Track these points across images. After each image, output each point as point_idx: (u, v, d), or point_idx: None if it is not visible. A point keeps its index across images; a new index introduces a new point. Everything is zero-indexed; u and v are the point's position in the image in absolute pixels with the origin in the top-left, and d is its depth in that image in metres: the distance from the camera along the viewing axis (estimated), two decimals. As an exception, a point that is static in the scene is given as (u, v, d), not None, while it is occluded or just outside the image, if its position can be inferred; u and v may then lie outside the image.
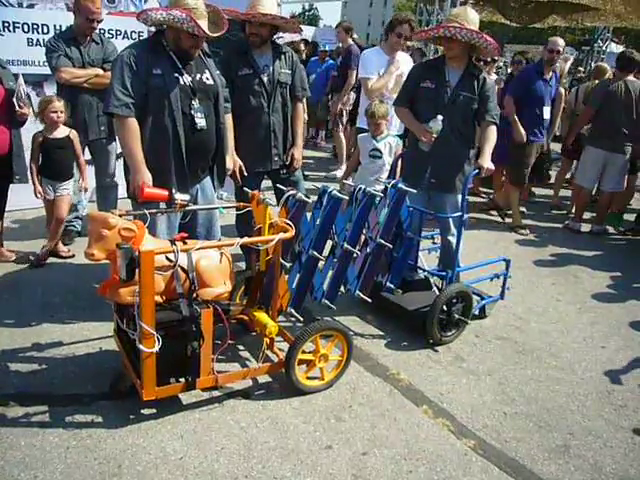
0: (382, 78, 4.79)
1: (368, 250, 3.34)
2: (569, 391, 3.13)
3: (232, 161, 3.50)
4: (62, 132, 4.04)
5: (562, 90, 6.38)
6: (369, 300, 3.34)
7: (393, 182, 3.37)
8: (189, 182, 3.17)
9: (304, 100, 4.04)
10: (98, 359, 3.04)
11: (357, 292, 3.29)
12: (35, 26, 4.86)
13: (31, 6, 5.02)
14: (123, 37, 5.35)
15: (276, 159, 3.84)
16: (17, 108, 3.80)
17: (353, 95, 7.72)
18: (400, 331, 3.61)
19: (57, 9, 5.20)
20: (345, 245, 3.11)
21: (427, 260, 4.05)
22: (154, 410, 2.66)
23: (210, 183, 3.36)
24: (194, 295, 2.55)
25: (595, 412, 2.96)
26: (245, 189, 3.20)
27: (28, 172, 4.06)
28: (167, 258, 2.48)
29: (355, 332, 3.57)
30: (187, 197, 2.89)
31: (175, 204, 2.83)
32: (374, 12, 67.93)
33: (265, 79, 3.68)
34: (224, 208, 3.22)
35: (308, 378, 2.91)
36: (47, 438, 2.46)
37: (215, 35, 3.00)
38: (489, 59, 5.74)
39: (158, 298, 2.50)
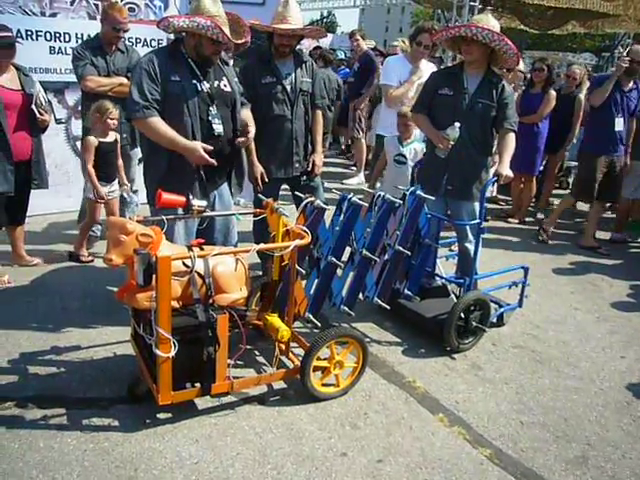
0: (402, 86, 4.79)
1: (387, 257, 3.34)
2: (587, 401, 3.09)
3: (252, 169, 3.52)
4: (111, 136, 4.21)
5: (582, 97, 6.32)
6: (387, 307, 3.34)
7: (411, 189, 3.38)
8: (207, 188, 3.20)
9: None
10: (116, 363, 3.07)
11: (375, 299, 3.29)
12: (57, 34, 4.95)
13: (53, 15, 5.10)
14: (143, 45, 5.42)
15: (297, 166, 3.90)
16: (37, 115, 3.88)
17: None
18: (416, 339, 3.60)
19: (79, 17, 5.28)
20: (364, 252, 3.12)
21: (444, 267, 4.03)
22: (170, 415, 2.68)
23: (227, 189, 3.39)
24: (210, 301, 2.58)
25: (614, 423, 2.92)
26: (260, 196, 3.21)
27: (85, 176, 4.24)
28: (184, 264, 2.50)
29: (371, 339, 3.56)
30: (204, 203, 2.91)
31: (192, 210, 2.85)
32: (391, 19, 67.99)
33: (288, 87, 3.74)
34: (240, 214, 3.24)
35: (323, 385, 2.90)
36: (65, 440, 2.49)
37: (239, 42, 3.03)
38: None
39: (175, 303, 2.51)
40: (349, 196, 3.03)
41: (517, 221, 6.30)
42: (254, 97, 3.61)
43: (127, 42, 4.67)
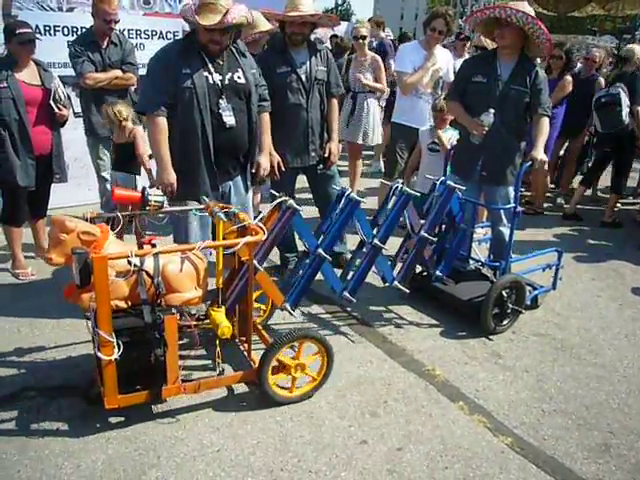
0: (417, 73, 4.74)
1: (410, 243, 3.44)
2: (610, 389, 3.05)
3: (268, 160, 3.52)
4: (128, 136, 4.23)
5: (602, 80, 6.20)
6: (407, 291, 3.40)
7: (441, 179, 3.42)
8: (219, 180, 3.20)
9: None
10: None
11: (395, 283, 3.31)
12: (75, 29, 5.00)
13: (70, 10, 5.14)
14: (159, 37, 5.45)
15: (313, 154, 3.92)
16: (56, 110, 3.92)
17: (388, 90, 7.67)
18: (436, 327, 3.59)
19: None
20: (375, 241, 3.12)
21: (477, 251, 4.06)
22: (191, 403, 2.71)
23: (243, 181, 3.38)
24: (160, 301, 2.47)
25: (637, 410, 2.88)
26: (272, 191, 3.17)
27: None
28: (129, 262, 2.36)
29: (390, 328, 3.56)
30: (161, 199, 2.77)
31: (149, 206, 2.72)
32: (407, 6, 67.20)
33: (303, 76, 3.75)
34: (197, 210, 3.01)
35: (280, 387, 2.77)
36: (88, 429, 2.54)
37: (208, 24, 2.86)
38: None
39: (122, 304, 2.44)
40: (347, 191, 2.99)
41: (533, 212, 6.17)
42: (269, 87, 3.59)
43: (120, 33, 4.75)
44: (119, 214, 2.69)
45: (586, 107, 6.08)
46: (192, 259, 2.58)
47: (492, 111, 3.49)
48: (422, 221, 3.44)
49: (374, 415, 2.75)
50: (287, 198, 2.81)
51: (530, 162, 3.48)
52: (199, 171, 3.12)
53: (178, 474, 2.33)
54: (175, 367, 2.48)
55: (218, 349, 2.65)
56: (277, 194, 2.99)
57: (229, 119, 3.09)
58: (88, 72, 4.37)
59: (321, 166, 3.98)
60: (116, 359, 2.31)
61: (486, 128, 3.52)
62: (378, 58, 5.74)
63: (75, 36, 4.96)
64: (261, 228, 2.62)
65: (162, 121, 3.00)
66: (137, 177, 4.30)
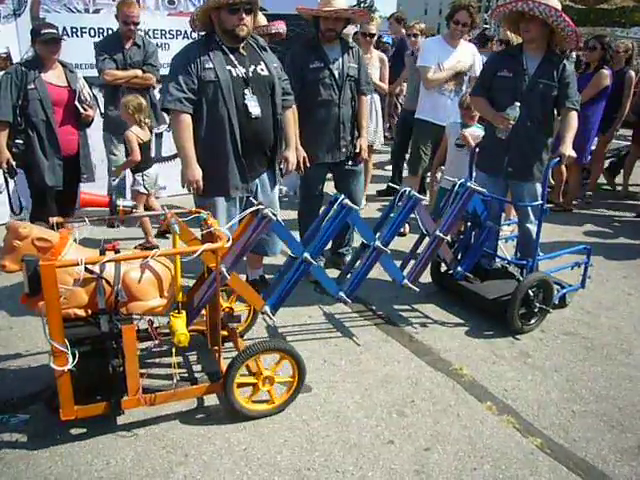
0: (444, 72, 4.68)
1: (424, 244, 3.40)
2: (643, 390, 2.98)
3: (294, 154, 3.51)
4: (147, 134, 4.40)
5: (632, 73, 6.04)
6: (417, 289, 3.33)
7: (461, 181, 3.38)
8: (248, 176, 3.21)
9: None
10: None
11: (405, 281, 3.27)
12: (101, 30, 5.07)
13: (97, 11, 5.20)
14: (183, 37, 5.48)
15: (344, 150, 3.94)
16: (81, 111, 3.98)
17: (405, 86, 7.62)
18: (463, 326, 3.55)
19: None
20: (377, 244, 3.06)
21: (504, 249, 4.01)
22: (217, 402, 2.72)
23: (270, 178, 3.38)
24: (123, 309, 2.40)
25: (672, 412, 2.81)
26: (251, 201, 2.95)
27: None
28: (87, 270, 2.27)
29: (416, 326, 3.54)
30: (130, 204, 2.70)
31: (118, 211, 2.67)
32: (431, 1, 66.67)
33: (335, 72, 3.78)
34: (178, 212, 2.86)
35: (254, 402, 2.66)
36: (117, 426, 2.56)
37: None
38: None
39: (81, 312, 2.37)
40: (340, 197, 2.91)
41: (562, 209, 6.05)
42: (302, 82, 3.69)
43: (145, 37, 5.00)
44: (86, 219, 2.64)
45: (616, 102, 5.93)
46: (156, 266, 2.48)
47: (518, 104, 3.42)
48: (433, 222, 3.39)
49: (401, 415, 2.72)
50: (263, 207, 2.66)
51: (558, 158, 3.41)
52: (228, 165, 3.13)
53: (205, 472, 2.34)
54: (135, 377, 2.39)
55: (173, 359, 2.55)
56: (259, 205, 2.75)
57: (255, 109, 3.10)
58: (108, 68, 4.60)
59: (350, 162, 4.00)
60: (72, 369, 2.23)
61: (512, 122, 3.46)
62: (383, 57, 5.73)
63: (101, 37, 5.06)
64: (226, 235, 2.46)
65: (186, 117, 3.01)
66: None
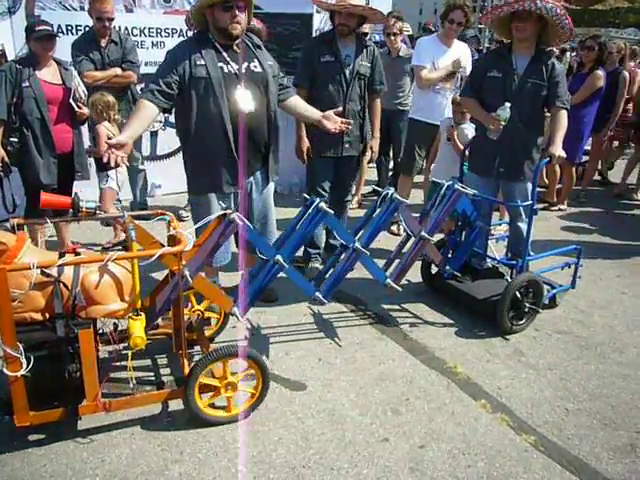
0: (438, 71, 4.69)
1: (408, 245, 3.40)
2: (636, 388, 3.00)
3: (300, 142, 3.57)
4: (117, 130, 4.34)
5: (626, 74, 6.07)
6: (399, 289, 3.23)
7: (449, 183, 3.38)
8: (240, 172, 3.19)
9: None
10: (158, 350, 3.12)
11: (388, 281, 3.23)
12: (95, 28, 5.04)
13: (91, 8, 5.18)
14: (179, 35, 5.47)
15: (347, 146, 3.95)
16: (76, 108, 3.98)
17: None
18: (457, 325, 3.57)
19: (117, 11, 5.33)
20: (356, 245, 3.01)
21: (494, 249, 4.01)
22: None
23: (263, 177, 3.37)
24: (82, 313, 2.34)
25: (665, 410, 2.84)
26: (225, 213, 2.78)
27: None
28: (43, 273, 2.23)
29: (411, 325, 3.55)
30: (93, 205, 2.58)
31: (80, 212, 2.55)
32: (426, 0, 66.72)
33: (346, 68, 3.82)
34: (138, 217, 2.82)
35: (213, 407, 2.62)
36: (113, 424, 2.56)
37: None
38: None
39: (38, 316, 2.31)
40: (316, 201, 2.87)
41: (556, 208, 6.10)
42: (312, 74, 3.75)
43: (122, 32, 4.88)
44: (48, 220, 2.59)
45: (610, 102, 5.96)
46: (116, 270, 2.41)
47: (508, 105, 3.43)
48: (418, 224, 3.36)
49: (396, 413, 2.73)
50: (231, 211, 2.61)
51: (548, 158, 3.42)
52: (220, 161, 3.12)
53: (201, 470, 2.34)
54: (94, 383, 2.34)
55: (129, 362, 2.44)
56: (227, 210, 2.69)
57: (247, 105, 3.09)
58: (86, 70, 4.50)
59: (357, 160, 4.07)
60: (27, 375, 2.19)
61: (503, 123, 3.46)
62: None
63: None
64: (187, 238, 2.42)
65: (148, 104, 2.96)
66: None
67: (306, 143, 3.81)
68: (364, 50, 3.90)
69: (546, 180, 6.32)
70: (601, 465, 2.46)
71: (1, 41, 4.76)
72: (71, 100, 3.96)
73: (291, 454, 2.45)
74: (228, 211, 2.59)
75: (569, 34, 3.46)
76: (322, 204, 2.85)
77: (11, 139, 3.78)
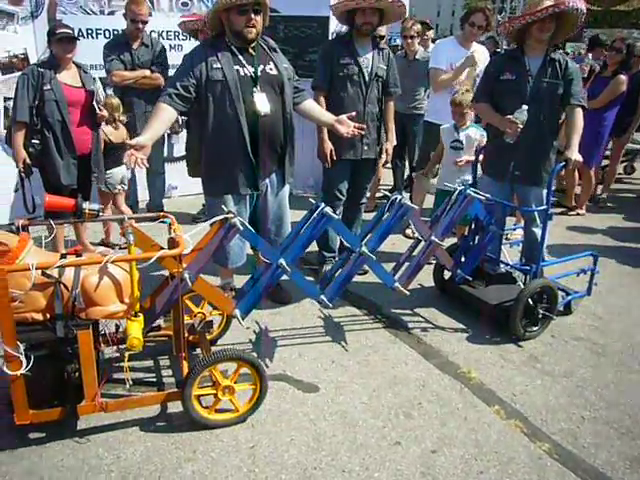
0: (453, 73, 4.68)
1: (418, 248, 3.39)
2: (654, 396, 2.96)
3: (323, 144, 3.58)
4: (120, 136, 4.48)
5: None
6: (407, 293, 3.24)
7: (461, 188, 3.37)
8: (256, 174, 3.22)
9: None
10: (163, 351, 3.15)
11: (396, 285, 3.23)
12: (115, 31, 5.11)
13: (112, 13, 5.25)
14: (196, 39, 5.50)
15: (365, 148, 3.95)
16: (97, 111, 4.05)
17: None
18: (471, 329, 3.54)
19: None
20: (362, 249, 3.00)
21: (508, 254, 3.98)
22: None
23: (279, 179, 3.39)
24: (82, 314, 2.36)
25: (683, 419, 2.79)
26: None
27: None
28: (44, 274, 2.25)
29: (424, 329, 3.54)
30: (96, 207, 2.59)
31: (84, 214, 2.56)
32: (443, 2, 66.48)
33: (364, 70, 3.82)
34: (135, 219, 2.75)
35: (217, 411, 2.61)
36: (128, 421, 2.60)
37: None
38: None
39: (39, 316, 2.33)
40: (322, 206, 2.87)
41: (575, 213, 6.03)
42: (330, 76, 3.76)
43: (154, 36, 5.02)
44: (52, 222, 2.61)
45: (633, 105, 5.87)
46: (116, 271, 2.42)
47: (525, 107, 3.39)
48: (428, 228, 3.36)
49: (408, 416, 2.73)
50: (232, 215, 2.60)
51: (564, 163, 3.39)
52: (236, 163, 3.15)
53: (213, 469, 2.36)
54: (93, 383, 2.37)
55: (126, 364, 2.46)
56: (228, 214, 2.65)
57: (263, 107, 3.11)
58: (115, 70, 4.62)
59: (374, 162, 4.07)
60: (27, 374, 2.22)
61: (520, 126, 3.42)
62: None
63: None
64: (186, 241, 2.44)
65: (166, 107, 3.02)
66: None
67: (329, 145, 3.80)
68: (380, 52, 3.91)
69: (564, 184, 6.26)
70: (617, 475, 2.42)
71: (24, 45, 4.86)
72: (94, 103, 4.04)
73: (303, 455, 2.46)
74: (230, 215, 2.60)
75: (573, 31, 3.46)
76: (327, 209, 2.86)
77: (33, 141, 3.85)
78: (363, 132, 3.47)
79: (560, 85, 3.47)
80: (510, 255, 3.97)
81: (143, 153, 2.84)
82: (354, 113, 3.43)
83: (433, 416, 2.74)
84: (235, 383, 2.58)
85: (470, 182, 3.89)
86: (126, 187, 4.67)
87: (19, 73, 4.03)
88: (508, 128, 3.46)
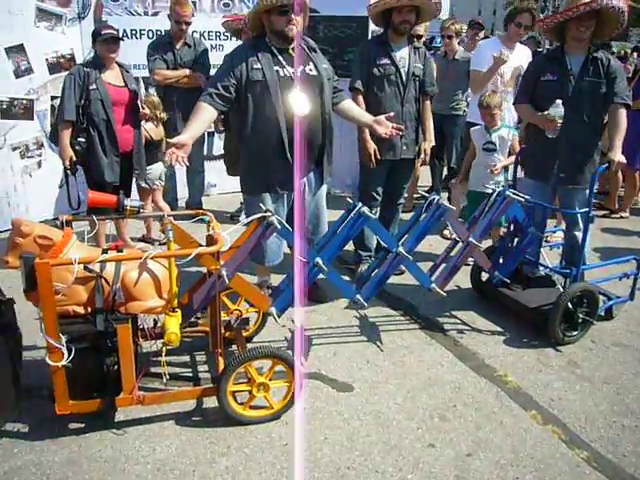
0: (486, 73, 4.59)
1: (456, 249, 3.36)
2: (700, 407, 2.86)
3: (366, 144, 3.60)
4: (158, 135, 4.60)
5: None
6: (444, 294, 3.22)
7: (499, 190, 3.33)
8: (293, 174, 3.23)
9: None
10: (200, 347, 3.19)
11: (433, 286, 3.20)
12: (158, 32, 5.22)
13: (155, 14, 5.36)
14: (237, 39, 5.57)
15: (404, 148, 3.94)
16: (140, 109, 4.16)
17: None
18: (509, 332, 3.49)
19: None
20: (399, 249, 2.99)
21: (548, 257, 3.89)
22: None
23: (317, 178, 3.41)
24: (122, 309, 2.41)
25: None
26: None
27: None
28: (86, 268, 2.31)
29: (461, 331, 3.50)
30: (137, 203, 2.66)
31: (125, 210, 2.62)
32: (484, 1, 65.43)
33: (402, 70, 3.82)
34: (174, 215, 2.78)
35: (251, 408, 2.63)
36: (164, 415, 2.65)
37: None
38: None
39: (81, 309, 2.39)
40: (359, 205, 2.87)
41: (618, 216, 5.85)
42: (368, 77, 3.76)
43: (196, 37, 5.13)
44: (94, 218, 2.68)
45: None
46: (155, 267, 2.46)
47: (559, 102, 3.32)
48: (466, 230, 3.33)
49: (443, 419, 2.70)
50: (270, 214, 2.64)
51: (606, 164, 3.30)
52: (274, 162, 3.18)
53: (247, 464, 2.39)
54: (130, 376, 2.41)
55: (163, 358, 2.50)
56: (266, 212, 2.70)
57: (302, 108, 3.14)
58: (158, 68, 4.74)
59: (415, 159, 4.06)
60: (68, 365, 2.28)
61: (559, 121, 3.34)
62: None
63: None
64: (223, 238, 2.47)
65: (206, 107, 3.07)
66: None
67: (372, 145, 3.78)
68: (417, 51, 3.89)
69: (607, 186, 6.09)
70: (659, 485, 2.36)
71: (71, 45, 5.01)
72: (139, 102, 4.14)
73: (336, 454, 2.46)
74: (267, 213, 2.63)
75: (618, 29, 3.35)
76: (364, 208, 2.86)
77: (78, 139, 3.96)
78: (402, 132, 3.45)
79: (602, 84, 3.39)
80: (550, 258, 3.89)
81: (184, 151, 2.89)
82: (392, 113, 3.42)
83: (468, 419, 2.71)
84: (270, 380, 2.60)
85: (502, 183, 3.83)
86: (163, 183, 4.78)
87: (66, 73, 4.14)
88: (547, 126, 3.41)
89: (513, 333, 3.48)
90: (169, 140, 2.98)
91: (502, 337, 3.44)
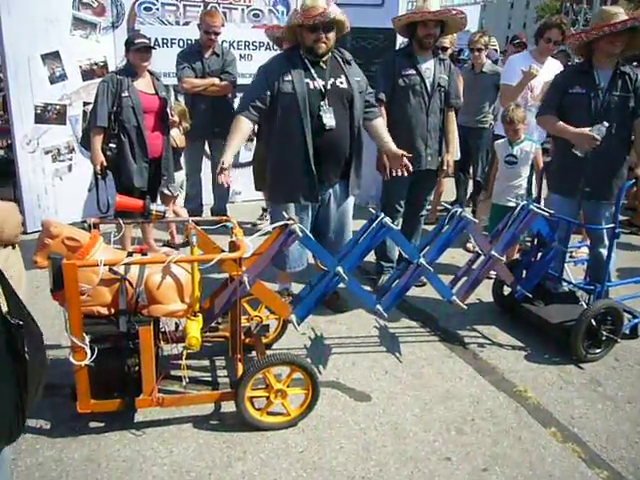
0: (515, 87, 4.57)
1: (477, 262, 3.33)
2: None
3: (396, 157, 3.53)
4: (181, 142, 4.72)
5: None
6: (465, 307, 3.19)
7: (523, 203, 3.31)
8: (318, 184, 3.27)
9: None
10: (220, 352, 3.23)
11: (454, 298, 3.18)
12: (189, 41, 5.32)
13: (187, 24, 5.48)
14: (266, 48, 5.67)
15: (429, 159, 3.94)
16: (170, 117, 4.24)
17: None
18: (530, 348, 3.44)
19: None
20: (420, 261, 2.98)
21: (572, 273, 3.84)
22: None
23: (342, 189, 3.43)
24: (144, 311, 2.45)
25: None
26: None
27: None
28: (111, 270, 2.38)
29: (481, 345, 3.47)
30: (162, 208, 2.70)
31: (151, 215, 2.67)
32: (515, 14, 65.05)
33: (427, 81, 3.84)
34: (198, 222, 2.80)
35: (268, 414, 2.64)
36: (183, 417, 2.68)
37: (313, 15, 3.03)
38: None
39: (105, 310, 2.43)
40: (381, 216, 2.87)
41: None
42: (393, 87, 3.78)
43: (225, 46, 5.22)
44: (121, 221, 2.74)
45: None
46: (178, 271, 2.50)
47: (606, 124, 3.28)
48: (488, 243, 3.30)
49: (460, 432, 2.68)
50: (293, 222, 2.66)
51: (634, 180, 3.25)
52: (298, 173, 3.22)
53: (262, 470, 2.41)
54: (151, 378, 2.46)
55: (183, 362, 2.54)
56: (289, 220, 2.71)
57: (329, 121, 3.18)
58: (186, 77, 4.82)
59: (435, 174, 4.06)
60: (90, 365, 2.32)
61: (599, 141, 3.30)
62: (457, 71, 5.61)
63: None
64: (246, 245, 2.52)
65: (244, 120, 3.17)
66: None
67: (399, 153, 3.79)
68: (442, 63, 3.90)
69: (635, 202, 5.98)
70: (681, 509, 2.30)
71: (104, 53, 5.14)
72: (168, 109, 4.24)
73: (351, 463, 2.46)
74: (290, 221, 2.66)
75: None
76: (386, 219, 2.87)
77: (110, 145, 4.05)
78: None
79: (631, 98, 3.37)
80: (574, 273, 3.83)
81: (229, 171, 3.08)
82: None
83: (486, 434, 2.68)
84: (288, 387, 2.62)
85: (526, 197, 3.80)
86: (184, 191, 4.87)
87: (99, 80, 4.26)
88: (585, 143, 3.34)
89: (534, 348, 3.44)
90: (221, 166, 3.08)
91: (523, 352, 3.40)
